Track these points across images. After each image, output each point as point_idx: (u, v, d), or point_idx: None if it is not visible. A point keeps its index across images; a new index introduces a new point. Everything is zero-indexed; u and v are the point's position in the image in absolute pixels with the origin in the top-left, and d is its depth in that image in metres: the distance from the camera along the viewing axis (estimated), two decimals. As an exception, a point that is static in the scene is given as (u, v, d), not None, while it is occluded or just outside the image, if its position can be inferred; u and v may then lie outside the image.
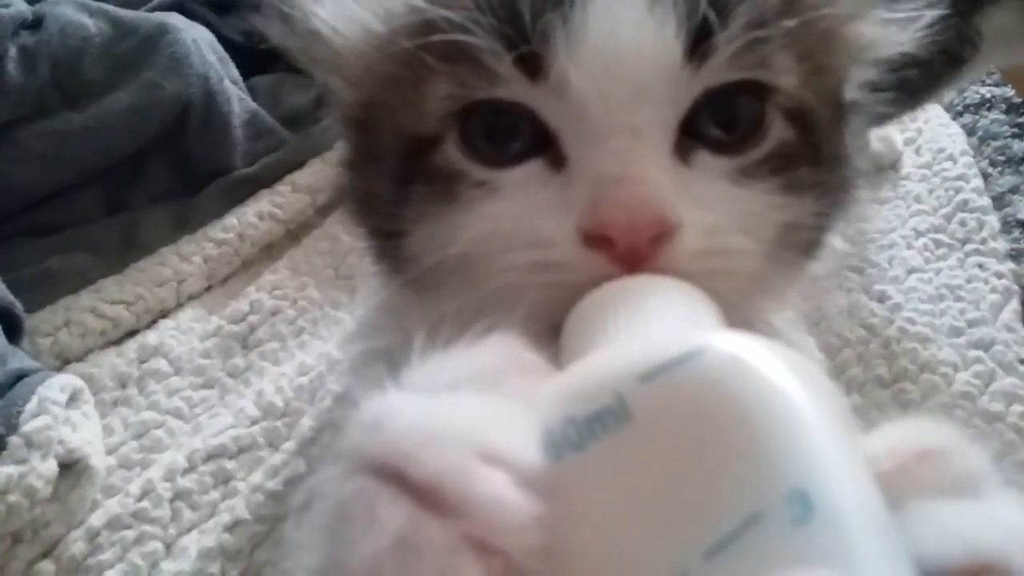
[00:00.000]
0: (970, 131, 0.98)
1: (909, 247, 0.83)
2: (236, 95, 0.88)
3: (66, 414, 0.59)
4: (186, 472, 0.62)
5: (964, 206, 0.86)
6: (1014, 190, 0.88)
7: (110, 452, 0.64)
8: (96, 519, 0.58)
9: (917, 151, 0.96)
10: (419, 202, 0.37)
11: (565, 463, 0.22)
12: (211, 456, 0.63)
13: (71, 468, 0.58)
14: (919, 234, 0.85)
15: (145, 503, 0.60)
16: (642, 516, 0.21)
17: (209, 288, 0.79)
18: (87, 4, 0.86)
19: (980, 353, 0.71)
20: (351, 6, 0.38)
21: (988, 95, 1.01)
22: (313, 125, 0.89)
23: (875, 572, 0.19)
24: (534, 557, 0.20)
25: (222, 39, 0.93)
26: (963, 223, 0.85)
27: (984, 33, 0.70)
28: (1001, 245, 0.82)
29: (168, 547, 0.59)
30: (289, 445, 0.63)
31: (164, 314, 0.76)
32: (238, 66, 0.92)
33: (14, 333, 0.66)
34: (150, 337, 0.72)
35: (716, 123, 0.35)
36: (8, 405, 0.57)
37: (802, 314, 0.51)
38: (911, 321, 0.75)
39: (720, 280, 0.33)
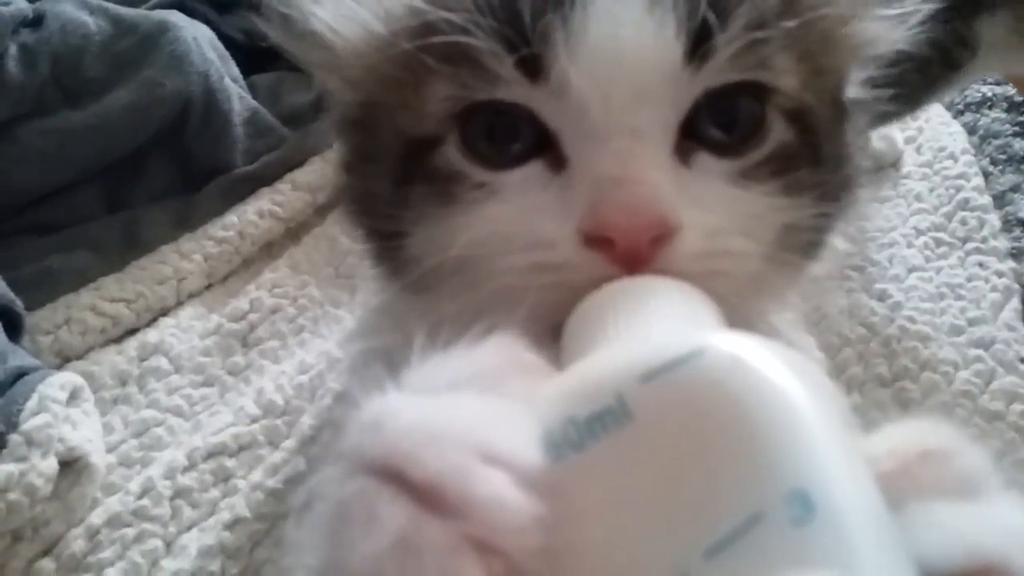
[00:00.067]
0: (971, 129, 0.98)
1: (910, 246, 0.83)
2: (236, 93, 0.88)
3: (66, 412, 0.59)
4: (186, 470, 0.62)
5: (965, 205, 0.86)
6: (1015, 189, 0.88)
7: (110, 450, 0.64)
8: (96, 517, 0.58)
9: (918, 149, 0.96)
10: (419, 203, 0.37)
11: (565, 463, 0.22)
12: (211, 454, 0.63)
13: (71, 466, 0.58)
14: (920, 233, 0.85)
15: (145, 501, 0.60)
16: (642, 516, 0.21)
17: (209, 286, 0.79)
18: (87, 2, 0.86)
19: (980, 352, 0.71)
20: (351, 7, 0.38)
21: (989, 93, 1.01)
22: (313, 123, 0.89)
23: (876, 573, 0.19)
24: (534, 557, 0.20)
25: (222, 37, 0.93)
26: (964, 222, 0.85)
27: (983, 40, 0.70)
28: (1002, 244, 0.82)
29: (168, 545, 0.59)
30: (289, 443, 0.63)
31: (164, 312, 0.76)
32: (238, 64, 0.92)
33: (14, 331, 0.66)
34: (150, 335, 0.72)
35: (716, 124, 0.35)
36: (8, 403, 0.57)
37: (802, 314, 0.51)
38: (911, 320, 0.74)
39: (720, 281, 0.33)
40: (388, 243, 0.39)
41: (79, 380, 0.63)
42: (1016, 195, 0.87)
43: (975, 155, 0.93)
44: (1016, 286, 0.77)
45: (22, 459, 0.54)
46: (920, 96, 0.75)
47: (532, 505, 0.20)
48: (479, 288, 0.35)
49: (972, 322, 0.74)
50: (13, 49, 0.80)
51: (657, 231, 0.32)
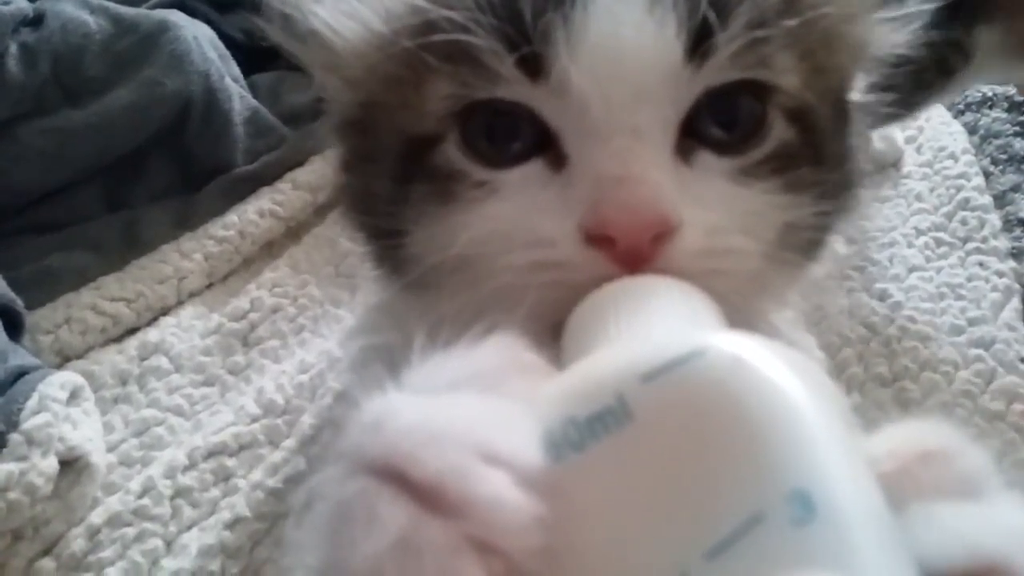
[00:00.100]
0: (971, 129, 0.97)
1: (910, 245, 0.83)
2: (237, 92, 0.88)
3: (67, 411, 0.59)
4: (186, 469, 0.61)
5: (965, 204, 0.86)
6: (1015, 188, 0.88)
7: (111, 449, 0.64)
8: (96, 516, 0.58)
9: (918, 149, 0.96)
10: (419, 202, 0.37)
11: (566, 463, 0.22)
12: (211, 453, 0.63)
13: (72, 465, 0.58)
14: (920, 232, 0.85)
15: (146, 500, 0.59)
16: (643, 516, 0.21)
17: (210, 285, 0.79)
18: (88, 1, 0.86)
19: (981, 352, 0.71)
20: (352, 5, 0.38)
21: (990, 93, 1.01)
22: (314, 123, 0.89)
23: (877, 573, 0.19)
24: (535, 557, 0.20)
25: (223, 36, 0.93)
26: (964, 221, 0.85)
27: (979, 48, 0.70)
28: (1002, 243, 0.82)
29: (168, 544, 0.58)
30: (289, 443, 0.63)
31: (165, 311, 0.76)
32: (239, 63, 0.92)
33: (15, 330, 0.66)
34: (151, 334, 0.72)
35: (717, 123, 0.35)
36: (9, 402, 0.57)
37: (802, 313, 0.51)
38: (912, 319, 0.74)
39: (721, 280, 0.33)
40: (388, 242, 0.39)
41: (79, 379, 0.63)
42: (1017, 195, 0.87)
43: (976, 155, 0.93)
44: (1016, 286, 0.77)
45: (22, 458, 0.54)
46: (914, 100, 0.75)
47: (532, 505, 0.20)
48: (479, 286, 0.35)
49: (972, 322, 0.74)
50: (13, 48, 0.79)
51: (658, 230, 0.32)
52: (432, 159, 0.36)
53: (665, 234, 0.32)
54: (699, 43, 0.33)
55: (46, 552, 0.57)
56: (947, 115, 1.00)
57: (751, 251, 0.35)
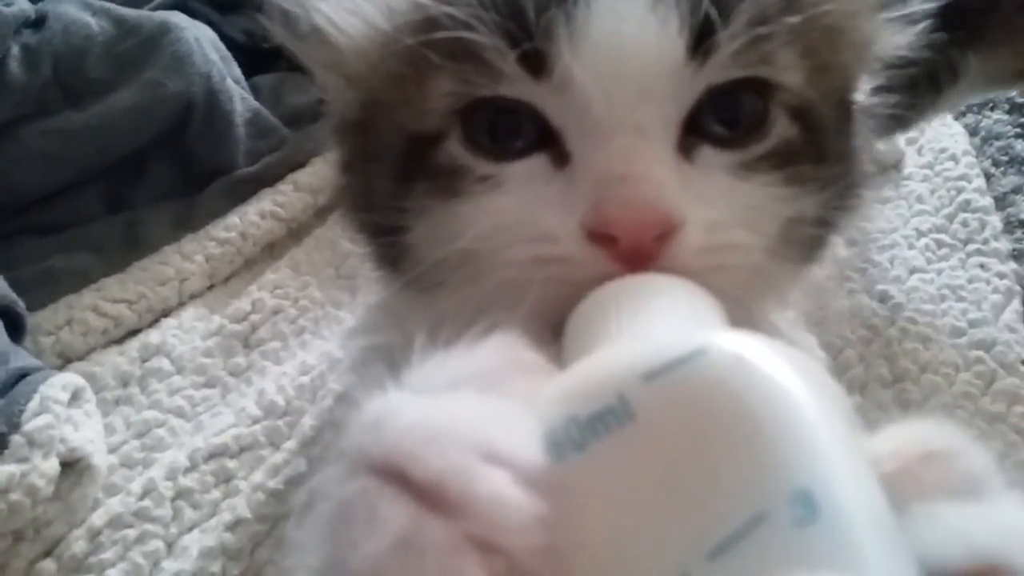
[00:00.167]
0: (972, 131, 0.97)
1: (911, 247, 0.83)
2: (238, 94, 0.88)
3: (68, 413, 0.59)
4: (187, 471, 0.61)
5: (966, 206, 0.86)
6: (1016, 190, 0.88)
7: (112, 451, 0.64)
8: (97, 518, 0.58)
9: (919, 151, 0.95)
10: (421, 199, 0.37)
11: (567, 463, 0.21)
12: (212, 455, 0.62)
13: (73, 467, 0.58)
14: (921, 234, 0.85)
15: (147, 502, 0.59)
16: (644, 516, 0.21)
17: (211, 287, 0.79)
18: (90, 3, 0.86)
19: (982, 353, 0.71)
20: (354, 2, 0.38)
21: (991, 95, 1.01)
22: (315, 124, 0.89)
23: (879, 573, 0.19)
24: (536, 556, 0.20)
25: (224, 38, 0.93)
26: (965, 223, 0.84)
27: (969, 71, 0.70)
28: (1003, 245, 0.81)
29: (169, 546, 0.58)
30: (290, 444, 0.63)
31: (166, 313, 0.75)
32: (240, 65, 0.92)
33: (16, 332, 0.66)
34: (152, 336, 0.72)
35: (719, 120, 0.35)
36: (10, 404, 0.57)
37: (803, 312, 0.51)
38: (912, 321, 0.74)
39: (723, 275, 0.33)
40: (389, 239, 0.39)
41: (81, 381, 0.63)
42: (1018, 197, 0.87)
43: (977, 156, 0.93)
44: (1017, 288, 0.77)
45: (24, 460, 0.54)
46: (907, 115, 0.74)
47: (534, 504, 0.20)
48: (482, 282, 0.35)
49: (973, 324, 0.74)
50: (15, 50, 0.79)
51: (661, 228, 0.32)
52: (434, 157, 0.36)
53: (668, 233, 0.32)
54: (701, 41, 0.33)
55: (47, 553, 0.57)
56: (948, 116, 1.00)
57: (753, 245, 0.35)
